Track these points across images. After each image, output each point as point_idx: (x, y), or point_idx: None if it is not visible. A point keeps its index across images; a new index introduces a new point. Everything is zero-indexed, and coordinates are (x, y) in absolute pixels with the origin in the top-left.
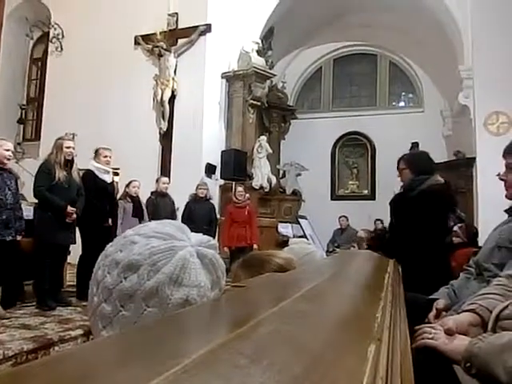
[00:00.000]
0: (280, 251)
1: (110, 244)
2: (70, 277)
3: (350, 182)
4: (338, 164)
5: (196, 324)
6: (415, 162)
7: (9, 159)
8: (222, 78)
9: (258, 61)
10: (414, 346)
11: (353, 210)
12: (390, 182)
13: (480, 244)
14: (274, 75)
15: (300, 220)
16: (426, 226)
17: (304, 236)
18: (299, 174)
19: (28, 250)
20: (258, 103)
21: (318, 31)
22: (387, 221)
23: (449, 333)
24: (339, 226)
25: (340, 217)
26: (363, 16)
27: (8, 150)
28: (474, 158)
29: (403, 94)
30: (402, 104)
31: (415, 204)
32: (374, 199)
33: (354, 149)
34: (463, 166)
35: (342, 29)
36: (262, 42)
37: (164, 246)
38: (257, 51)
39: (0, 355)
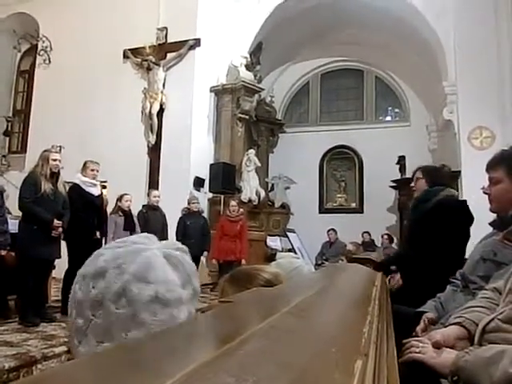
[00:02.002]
0: (267, 266)
1: (84, 264)
2: (54, 292)
3: (338, 195)
4: (325, 177)
5: (181, 341)
6: (432, 172)
7: None
8: (211, 91)
9: (247, 75)
10: (402, 360)
11: (341, 223)
12: (377, 195)
13: (466, 256)
14: (262, 89)
15: (288, 233)
16: (443, 238)
17: (292, 249)
18: (288, 187)
19: (13, 265)
20: (247, 117)
21: (305, 47)
22: (375, 233)
23: (436, 346)
24: (328, 239)
25: (328, 230)
26: (349, 33)
27: None
28: (459, 172)
29: (389, 108)
30: (388, 118)
31: (431, 215)
32: (362, 212)
33: (341, 162)
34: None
35: (329, 45)
36: (250, 56)
37: (128, 250)
38: (245, 65)
39: None
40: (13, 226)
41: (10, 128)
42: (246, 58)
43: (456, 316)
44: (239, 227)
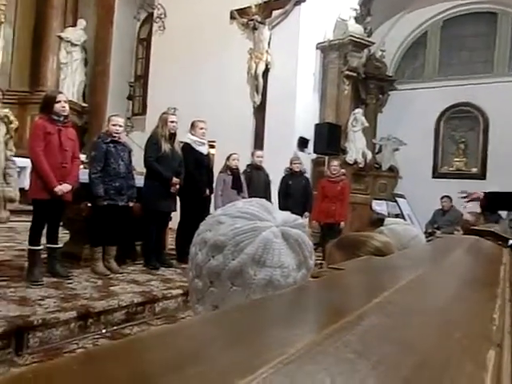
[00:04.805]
0: (377, 234)
1: (202, 223)
2: (170, 241)
3: (456, 159)
4: (442, 139)
5: (296, 308)
6: None
7: (117, 133)
8: (317, 48)
9: (356, 29)
10: None
11: (458, 189)
12: (504, 160)
13: None
14: (373, 43)
15: (398, 199)
16: None
17: (401, 215)
18: (397, 149)
19: (139, 215)
20: (354, 74)
21: None
22: None
23: None
24: (440, 207)
25: (442, 197)
26: None
27: (115, 125)
28: None
29: None
30: None
31: None
32: (484, 178)
33: (462, 122)
34: None
35: None
36: (360, 7)
37: (247, 227)
38: (354, 18)
39: (115, 305)
40: (138, 180)
41: (132, 92)
42: (355, 9)
43: None
44: (340, 188)
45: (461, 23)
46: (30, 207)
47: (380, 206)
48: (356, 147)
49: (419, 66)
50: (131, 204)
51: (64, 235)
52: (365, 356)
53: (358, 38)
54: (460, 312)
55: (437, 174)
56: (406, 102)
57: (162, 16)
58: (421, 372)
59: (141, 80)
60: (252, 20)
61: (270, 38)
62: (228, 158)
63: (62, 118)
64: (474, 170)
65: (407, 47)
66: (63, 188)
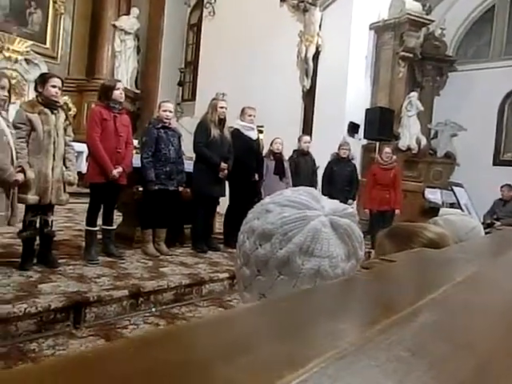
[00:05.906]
0: (431, 224)
1: (250, 211)
2: (218, 225)
3: None
4: (506, 123)
5: (346, 301)
6: None
7: (167, 118)
8: (371, 29)
9: (413, 6)
10: None
11: None
12: None
13: None
14: (432, 21)
15: (454, 188)
16: None
17: (457, 204)
18: (455, 135)
19: (188, 199)
20: (411, 55)
21: None
22: None
23: None
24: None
25: (502, 186)
26: None
27: (165, 111)
28: None
29: None
30: None
31: None
32: None
33: None
34: None
35: None
36: None
37: (295, 216)
38: None
39: (165, 285)
40: (187, 165)
41: (182, 78)
42: None
43: None
44: (392, 176)
45: None
46: (87, 190)
47: (433, 195)
48: (410, 133)
49: (484, 44)
50: (181, 189)
51: (117, 217)
52: (419, 355)
53: (415, 16)
54: None
55: (498, 162)
56: (467, 84)
57: (212, 1)
58: (480, 375)
59: (191, 66)
60: (303, 2)
61: (321, 20)
62: (271, 143)
63: (117, 105)
64: None
65: (471, 24)
66: (115, 172)
